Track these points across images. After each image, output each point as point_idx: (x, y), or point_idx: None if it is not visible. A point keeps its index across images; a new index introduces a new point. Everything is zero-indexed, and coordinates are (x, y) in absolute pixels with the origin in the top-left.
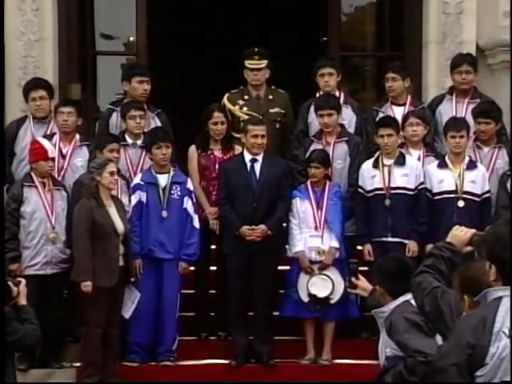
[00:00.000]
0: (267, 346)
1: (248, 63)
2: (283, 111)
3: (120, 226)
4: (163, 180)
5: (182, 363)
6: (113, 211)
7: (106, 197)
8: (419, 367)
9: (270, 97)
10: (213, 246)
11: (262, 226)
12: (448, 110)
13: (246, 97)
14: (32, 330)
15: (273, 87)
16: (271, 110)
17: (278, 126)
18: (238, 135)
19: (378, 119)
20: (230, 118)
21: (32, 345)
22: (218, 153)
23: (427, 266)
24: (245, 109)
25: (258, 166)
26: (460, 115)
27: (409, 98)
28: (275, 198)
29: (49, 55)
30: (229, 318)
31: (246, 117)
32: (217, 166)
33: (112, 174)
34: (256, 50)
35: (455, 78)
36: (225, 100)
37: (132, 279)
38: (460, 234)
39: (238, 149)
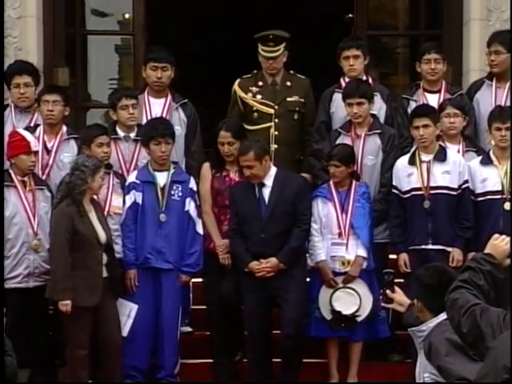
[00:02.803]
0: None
1: (262, 49)
2: (302, 100)
3: (102, 235)
4: (162, 178)
5: None
6: (94, 218)
7: (86, 201)
8: None
9: (288, 83)
10: None
11: (273, 259)
12: (487, 98)
13: (260, 83)
14: (10, 364)
15: (291, 72)
16: (289, 99)
17: (296, 116)
18: (250, 127)
19: (412, 108)
20: (242, 108)
21: (8, 379)
22: (234, 175)
23: (463, 280)
24: (258, 97)
25: (267, 191)
26: (499, 103)
27: (443, 83)
28: (289, 226)
29: (32, 35)
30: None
31: (260, 106)
32: None
33: (102, 178)
34: (271, 36)
35: (487, 59)
36: (236, 86)
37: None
38: (500, 244)
39: None
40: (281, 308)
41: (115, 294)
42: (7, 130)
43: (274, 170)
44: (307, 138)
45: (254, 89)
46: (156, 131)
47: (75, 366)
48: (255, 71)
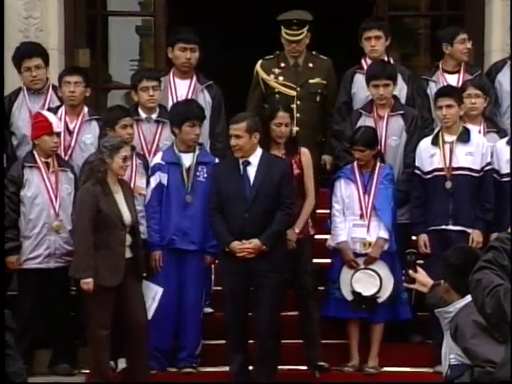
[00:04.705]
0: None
1: (285, 33)
2: (325, 82)
3: (127, 216)
4: (187, 160)
5: (206, 370)
6: (120, 198)
7: (113, 181)
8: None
9: (310, 64)
10: None
11: (255, 241)
12: (509, 78)
13: (283, 64)
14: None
15: (313, 53)
16: (311, 81)
17: (318, 98)
18: None
19: (431, 89)
20: (264, 90)
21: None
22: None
23: (487, 261)
24: (280, 79)
25: (252, 170)
26: None
27: (463, 64)
28: (272, 208)
29: (53, 16)
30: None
31: (282, 88)
32: None
33: (125, 159)
34: (295, 20)
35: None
36: (258, 67)
37: (144, 274)
38: None
39: (304, 152)
40: (256, 293)
41: (139, 276)
42: (23, 113)
43: (259, 151)
44: (329, 119)
45: (277, 70)
46: (192, 113)
47: (96, 347)
48: (277, 52)
